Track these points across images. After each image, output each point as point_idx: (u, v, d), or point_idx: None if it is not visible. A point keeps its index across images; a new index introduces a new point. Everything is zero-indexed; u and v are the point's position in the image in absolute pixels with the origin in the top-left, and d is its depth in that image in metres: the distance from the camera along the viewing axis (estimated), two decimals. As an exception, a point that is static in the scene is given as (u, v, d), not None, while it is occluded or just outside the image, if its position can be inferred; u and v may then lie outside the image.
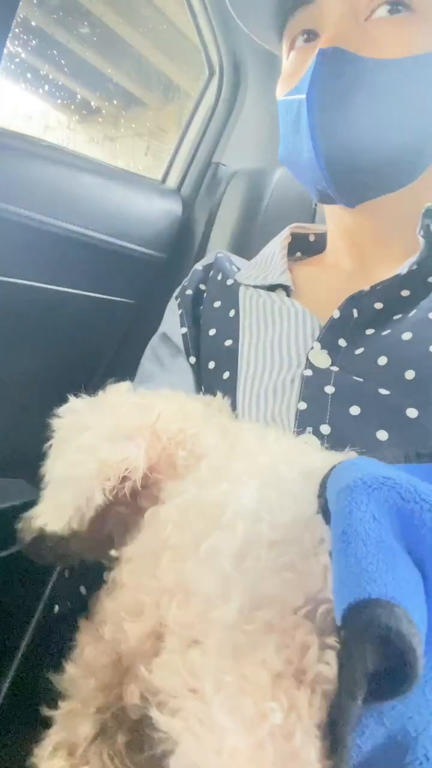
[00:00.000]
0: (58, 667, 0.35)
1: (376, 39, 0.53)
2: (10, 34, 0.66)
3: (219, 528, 0.30)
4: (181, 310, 0.70)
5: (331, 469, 0.32)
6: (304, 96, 0.54)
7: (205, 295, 0.70)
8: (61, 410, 0.44)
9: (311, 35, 0.58)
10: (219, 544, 0.29)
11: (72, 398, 0.45)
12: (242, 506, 0.31)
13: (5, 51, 0.65)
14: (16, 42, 1.32)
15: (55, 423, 0.44)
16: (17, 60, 1.34)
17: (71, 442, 0.41)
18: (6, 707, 0.66)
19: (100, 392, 0.47)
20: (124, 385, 0.47)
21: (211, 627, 0.27)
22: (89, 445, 0.39)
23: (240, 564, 0.28)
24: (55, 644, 0.38)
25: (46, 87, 1.49)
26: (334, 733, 0.23)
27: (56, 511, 0.39)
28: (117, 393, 0.46)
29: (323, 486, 0.31)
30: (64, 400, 0.47)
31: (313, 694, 0.24)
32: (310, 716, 0.24)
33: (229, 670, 0.25)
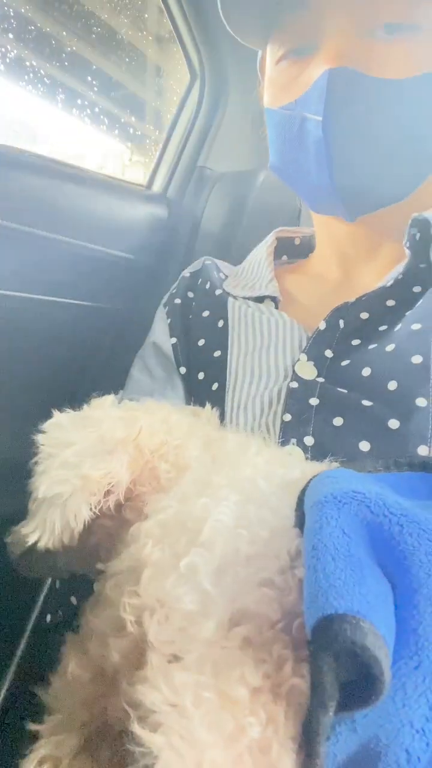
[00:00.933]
0: (49, 679, 0.36)
1: (382, 57, 0.52)
2: None
3: (198, 544, 0.31)
4: (169, 319, 0.71)
5: (309, 481, 0.33)
6: (319, 118, 0.53)
7: (193, 303, 0.71)
8: (46, 426, 0.45)
9: (309, 43, 0.57)
10: (198, 561, 0.30)
11: (56, 413, 0.46)
12: (220, 522, 0.32)
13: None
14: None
15: (40, 438, 0.44)
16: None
17: (56, 458, 0.41)
18: (2, 717, 0.67)
19: (85, 406, 0.48)
20: (108, 399, 0.48)
21: (191, 643, 0.27)
22: (73, 461, 0.40)
23: (219, 580, 0.29)
24: (48, 655, 0.39)
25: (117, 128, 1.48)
26: (308, 743, 0.24)
27: (45, 527, 0.40)
28: (101, 407, 0.47)
29: (300, 499, 0.32)
30: (55, 408, 0.48)
31: (289, 707, 0.25)
32: (285, 729, 0.25)
33: (209, 686, 0.26)
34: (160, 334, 0.70)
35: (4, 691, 0.69)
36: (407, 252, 0.56)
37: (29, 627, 0.73)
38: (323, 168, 0.56)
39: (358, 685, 0.24)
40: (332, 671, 0.23)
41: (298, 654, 0.26)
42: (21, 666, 0.70)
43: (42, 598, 0.75)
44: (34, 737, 0.34)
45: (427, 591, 0.25)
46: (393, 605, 0.25)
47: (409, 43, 0.52)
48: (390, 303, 0.56)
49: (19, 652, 0.71)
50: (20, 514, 0.45)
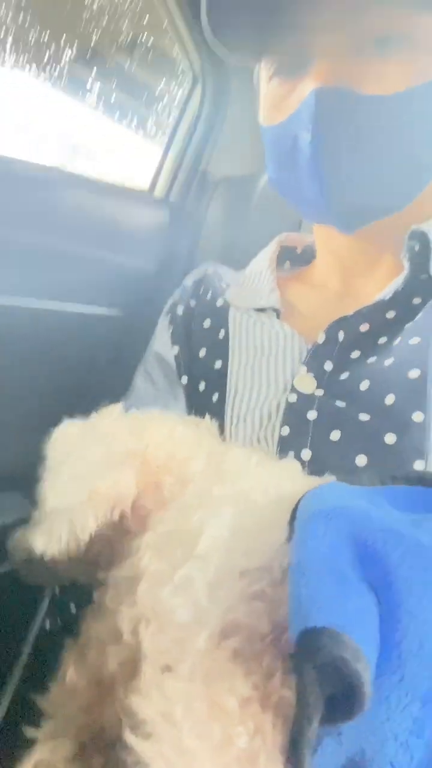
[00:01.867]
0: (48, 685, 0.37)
1: (372, 74, 0.52)
2: None
3: (194, 556, 0.32)
4: (171, 328, 0.71)
5: (303, 496, 0.34)
6: (308, 137, 0.53)
7: (195, 312, 0.71)
8: (54, 435, 0.46)
9: (298, 63, 0.56)
10: (193, 573, 0.31)
11: (65, 421, 0.47)
12: (216, 535, 0.32)
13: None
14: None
15: (48, 447, 0.45)
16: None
17: (63, 470, 0.42)
18: (5, 724, 0.67)
19: (93, 414, 0.48)
20: (116, 409, 0.48)
21: (183, 654, 0.28)
22: (81, 473, 0.41)
23: (213, 593, 0.30)
24: (48, 661, 0.40)
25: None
26: (295, 754, 0.25)
27: (52, 537, 0.41)
28: (108, 417, 0.47)
29: (293, 513, 0.33)
30: (58, 415, 0.48)
31: (277, 718, 0.26)
32: (273, 739, 0.25)
33: (199, 696, 0.26)
34: (163, 344, 0.71)
35: (9, 696, 0.70)
36: (405, 264, 0.56)
37: (32, 633, 0.74)
38: (315, 185, 0.56)
39: (344, 698, 0.25)
40: (315, 684, 0.24)
41: (287, 666, 0.27)
42: (24, 671, 0.71)
43: (44, 607, 0.75)
44: (31, 744, 0.35)
45: (408, 606, 0.26)
46: (377, 620, 0.26)
47: (399, 57, 0.51)
48: (390, 315, 0.56)
49: (23, 658, 0.72)
50: (28, 518, 0.46)
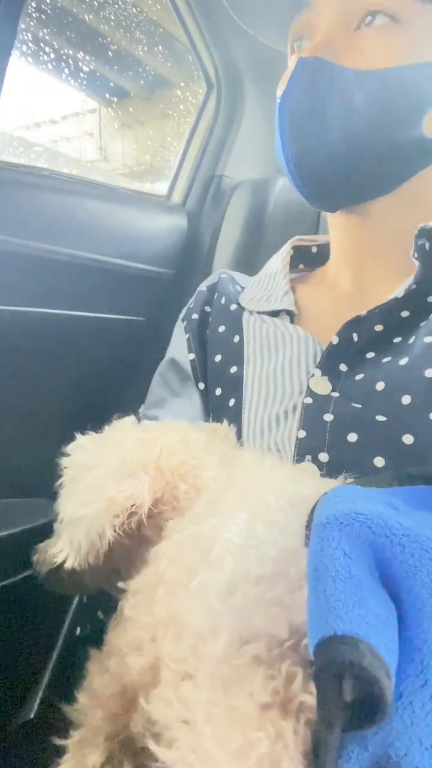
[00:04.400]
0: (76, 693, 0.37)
1: (361, 49, 0.54)
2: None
3: (208, 563, 0.32)
4: (187, 335, 0.71)
5: (319, 499, 0.34)
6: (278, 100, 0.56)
7: (210, 318, 0.71)
8: (69, 448, 0.47)
9: (305, 41, 0.60)
10: (208, 580, 0.31)
11: (79, 436, 0.48)
12: (230, 541, 0.33)
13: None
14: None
15: (64, 461, 0.46)
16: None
17: (79, 481, 0.43)
18: (35, 727, 0.68)
19: (106, 427, 0.49)
20: (129, 420, 0.49)
21: (201, 661, 0.28)
22: (96, 484, 0.42)
23: (228, 599, 0.30)
24: (77, 668, 0.40)
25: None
26: (319, 760, 0.25)
27: (72, 547, 0.42)
28: (121, 428, 0.48)
29: (311, 517, 0.33)
30: (83, 420, 0.49)
31: (298, 723, 0.26)
32: (295, 745, 0.25)
33: (219, 703, 0.27)
34: (179, 350, 0.71)
35: (38, 701, 0.70)
36: (416, 263, 0.55)
37: (61, 639, 0.75)
38: (280, 150, 0.59)
39: (367, 703, 0.24)
40: (335, 691, 0.24)
41: (307, 672, 0.27)
42: (53, 677, 0.72)
43: (72, 610, 0.76)
44: (59, 752, 0.35)
45: (430, 610, 0.25)
46: (396, 625, 0.26)
47: (390, 35, 0.54)
48: (405, 314, 0.56)
49: (51, 664, 0.73)
50: (50, 525, 0.47)
